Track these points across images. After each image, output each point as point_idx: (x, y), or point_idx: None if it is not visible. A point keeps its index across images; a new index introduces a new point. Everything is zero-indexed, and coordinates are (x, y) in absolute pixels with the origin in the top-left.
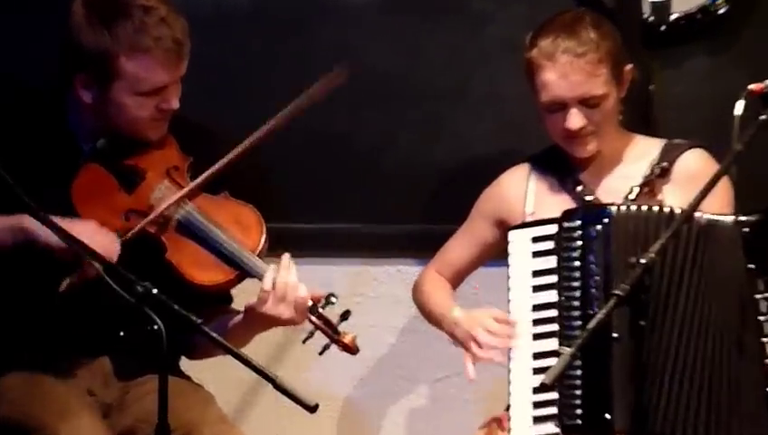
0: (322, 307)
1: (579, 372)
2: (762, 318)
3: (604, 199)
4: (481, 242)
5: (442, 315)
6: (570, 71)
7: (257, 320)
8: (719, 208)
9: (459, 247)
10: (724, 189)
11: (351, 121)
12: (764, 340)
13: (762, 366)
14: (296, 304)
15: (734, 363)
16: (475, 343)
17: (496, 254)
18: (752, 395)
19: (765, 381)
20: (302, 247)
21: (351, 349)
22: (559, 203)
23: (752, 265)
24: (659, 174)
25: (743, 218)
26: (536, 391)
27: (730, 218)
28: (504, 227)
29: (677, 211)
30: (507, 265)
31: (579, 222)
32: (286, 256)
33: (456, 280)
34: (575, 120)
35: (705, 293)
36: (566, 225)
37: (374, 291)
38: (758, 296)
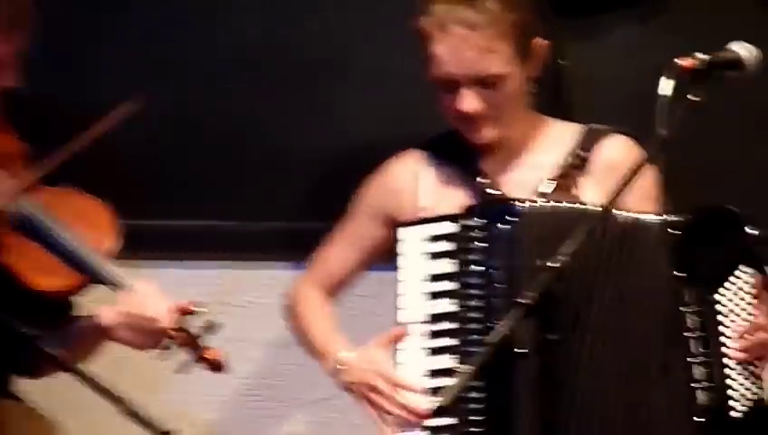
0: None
1: (479, 395)
2: (688, 334)
3: (512, 193)
4: (365, 245)
5: (326, 353)
6: (462, 45)
7: (109, 339)
8: (642, 204)
9: (338, 253)
10: (648, 183)
11: (212, 102)
12: (691, 360)
13: (688, 390)
14: (155, 333)
15: (657, 386)
16: (375, 393)
17: (384, 257)
18: (676, 422)
19: (691, 408)
20: (157, 248)
21: (218, 366)
22: (458, 197)
23: (679, 274)
24: (575, 165)
25: (671, 219)
26: (432, 414)
27: (656, 218)
28: (392, 226)
29: (595, 208)
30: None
31: (481, 220)
32: (145, 283)
33: (337, 292)
34: (468, 102)
35: (624, 303)
36: (466, 223)
37: (241, 299)
38: (684, 309)
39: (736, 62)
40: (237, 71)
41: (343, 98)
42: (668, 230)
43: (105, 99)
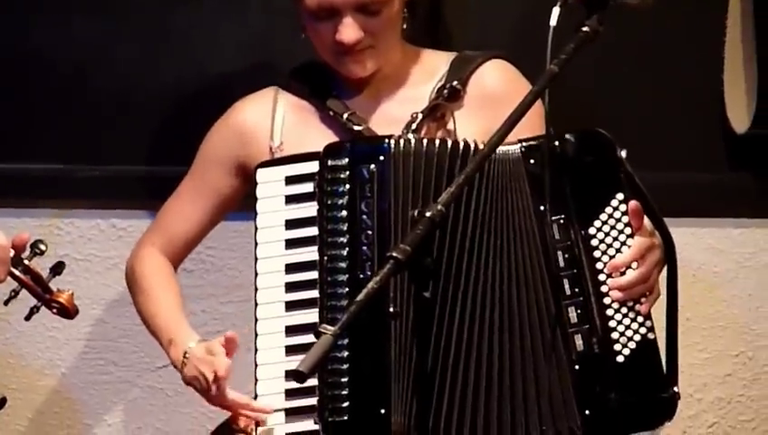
0: (28, 258)
1: (346, 355)
2: (561, 274)
3: (381, 131)
4: (214, 198)
5: (168, 340)
6: None
7: None
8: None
9: (184, 208)
10: (535, 119)
11: (50, 33)
12: (566, 304)
13: (564, 335)
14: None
15: (535, 337)
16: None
17: (234, 208)
18: (557, 372)
19: (570, 355)
20: None
21: (69, 310)
22: (319, 134)
23: (542, 207)
24: (448, 96)
25: (529, 144)
26: (290, 376)
27: (514, 147)
28: (243, 174)
29: (472, 145)
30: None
31: (346, 160)
32: None
33: (186, 252)
34: (350, 31)
35: (498, 252)
36: (330, 163)
37: (80, 252)
38: (555, 246)
39: None
40: None
41: (194, 28)
42: (527, 159)
43: None
